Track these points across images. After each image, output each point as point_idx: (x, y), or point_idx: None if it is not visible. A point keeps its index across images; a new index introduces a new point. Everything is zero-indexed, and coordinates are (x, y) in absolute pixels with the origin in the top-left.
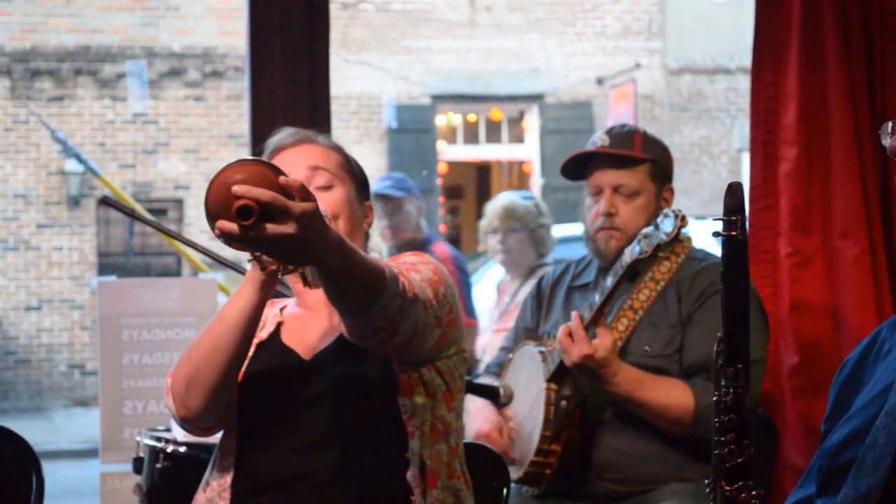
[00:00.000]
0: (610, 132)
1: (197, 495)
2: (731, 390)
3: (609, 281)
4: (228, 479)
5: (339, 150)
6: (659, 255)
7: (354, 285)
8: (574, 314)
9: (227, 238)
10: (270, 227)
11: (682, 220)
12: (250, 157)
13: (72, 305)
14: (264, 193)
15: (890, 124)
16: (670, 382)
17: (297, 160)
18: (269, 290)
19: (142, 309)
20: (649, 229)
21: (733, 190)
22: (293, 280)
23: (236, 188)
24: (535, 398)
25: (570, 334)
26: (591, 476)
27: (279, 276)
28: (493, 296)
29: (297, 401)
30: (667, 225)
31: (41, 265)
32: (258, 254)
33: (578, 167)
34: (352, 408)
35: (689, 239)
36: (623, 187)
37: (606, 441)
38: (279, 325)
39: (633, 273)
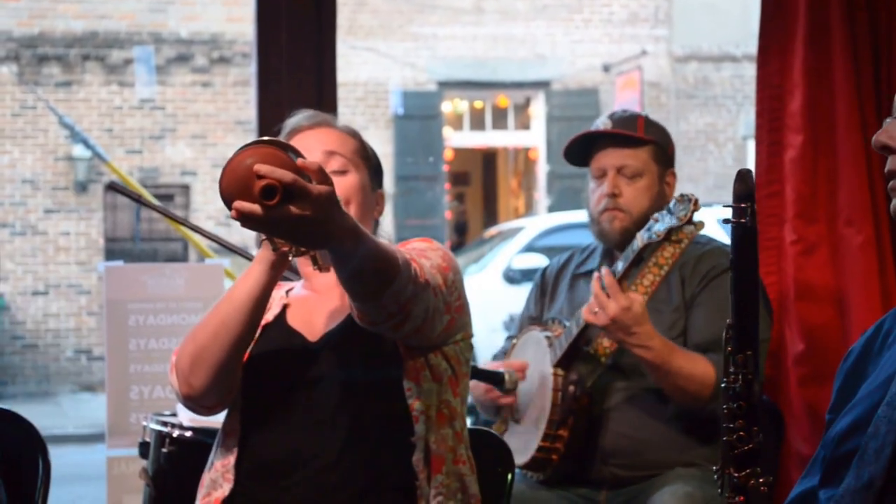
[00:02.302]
0: (612, 116)
1: (202, 477)
2: (741, 377)
3: (620, 265)
4: (232, 459)
5: (355, 135)
6: (672, 239)
7: (368, 271)
8: (604, 269)
9: (244, 219)
10: (292, 208)
11: (695, 205)
12: (266, 139)
13: (79, 290)
14: (286, 174)
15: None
16: (694, 355)
17: (314, 143)
18: (279, 271)
19: (148, 294)
20: (662, 213)
21: (743, 176)
22: (302, 263)
23: (259, 167)
24: (541, 383)
25: (602, 289)
26: (597, 461)
27: (290, 258)
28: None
29: (302, 383)
30: (680, 209)
31: (48, 250)
32: (273, 236)
33: (582, 152)
34: (356, 391)
35: (701, 223)
36: (626, 168)
37: (613, 426)
38: (285, 307)
39: (637, 258)
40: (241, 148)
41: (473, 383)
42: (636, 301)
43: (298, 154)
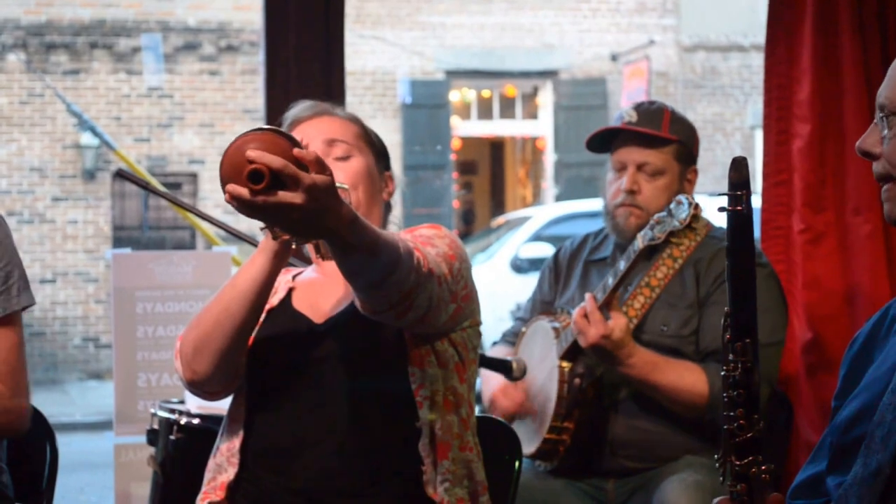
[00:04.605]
0: (638, 108)
1: (208, 463)
2: (739, 365)
3: (622, 264)
4: (237, 443)
5: (356, 121)
6: (672, 240)
7: (367, 262)
8: (588, 296)
9: (236, 202)
10: (280, 195)
11: (695, 209)
12: (268, 126)
13: (86, 278)
14: (276, 160)
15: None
16: (685, 366)
17: (314, 133)
18: (283, 259)
19: (156, 282)
20: (663, 215)
21: (738, 165)
22: (310, 248)
23: (250, 153)
24: (548, 374)
25: (585, 315)
26: (605, 452)
27: (293, 246)
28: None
29: (306, 365)
30: (680, 212)
31: (56, 238)
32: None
33: (602, 140)
34: (361, 375)
35: (703, 226)
36: (647, 166)
37: (621, 418)
38: (290, 290)
39: (651, 250)
40: (244, 133)
41: (491, 390)
42: (617, 328)
43: (298, 145)
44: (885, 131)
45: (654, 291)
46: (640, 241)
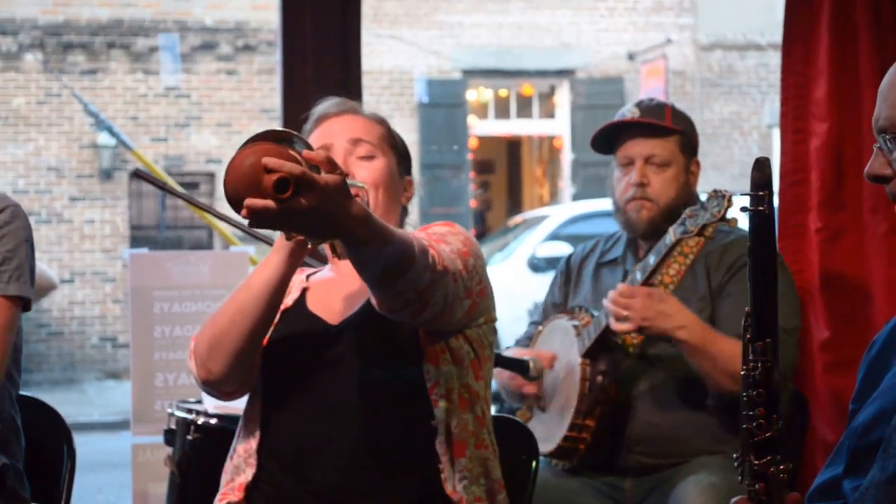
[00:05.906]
0: (639, 105)
1: (225, 464)
2: (760, 365)
3: (652, 259)
4: (254, 444)
5: (382, 122)
6: (705, 234)
7: (381, 260)
8: (620, 286)
9: (255, 216)
10: (302, 200)
11: (728, 201)
12: (263, 132)
13: (104, 278)
14: (294, 167)
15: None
16: (728, 337)
17: (339, 130)
18: (298, 259)
19: (173, 282)
20: (695, 208)
21: (761, 164)
22: (326, 247)
23: (267, 160)
24: (569, 372)
25: (624, 296)
26: (623, 449)
27: (308, 246)
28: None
29: (321, 366)
30: (713, 205)
31: (73, 238)
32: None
33: (607, 140)
34: (376, 373)
35: (735, 220)
36: (654, 157)
37: (638, 415)
38: (304, 291)
39: (668, 251)
40: (240, 149)
41: (498, 370)
42: (654, 289)
43: (304, 142)
44: (894, 154)
45: (668, 289)
46: (671, 235)
